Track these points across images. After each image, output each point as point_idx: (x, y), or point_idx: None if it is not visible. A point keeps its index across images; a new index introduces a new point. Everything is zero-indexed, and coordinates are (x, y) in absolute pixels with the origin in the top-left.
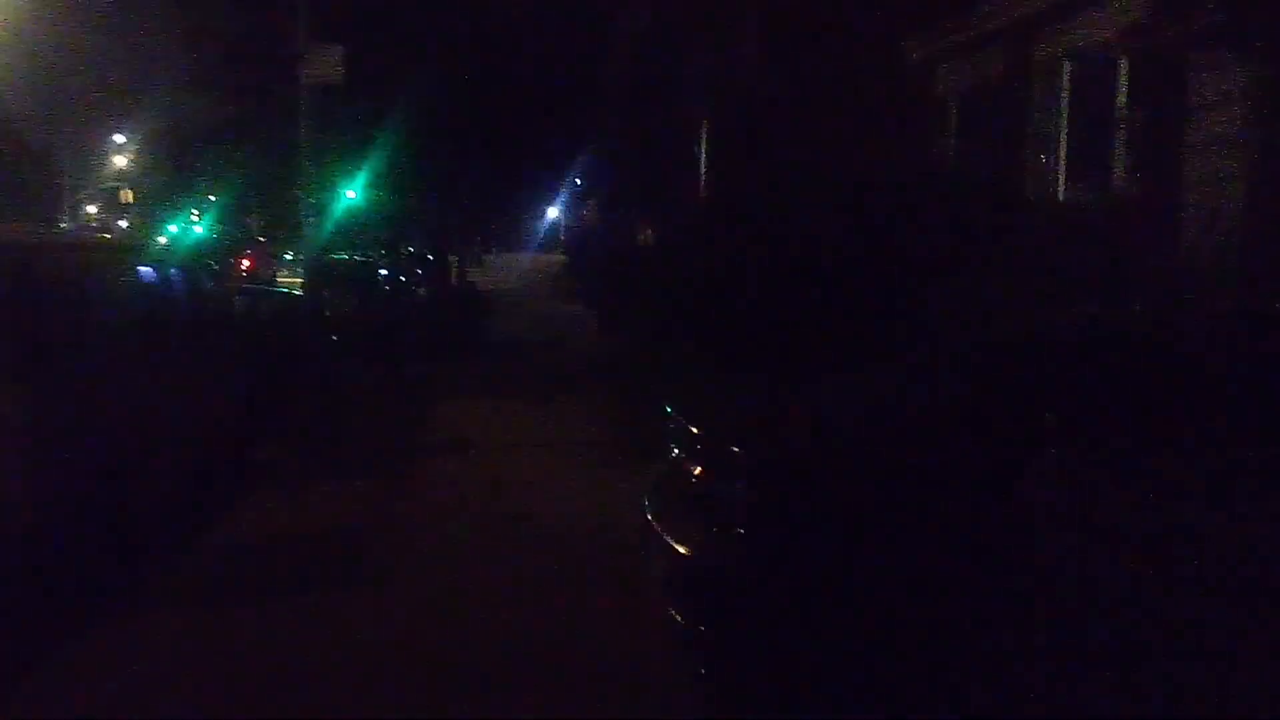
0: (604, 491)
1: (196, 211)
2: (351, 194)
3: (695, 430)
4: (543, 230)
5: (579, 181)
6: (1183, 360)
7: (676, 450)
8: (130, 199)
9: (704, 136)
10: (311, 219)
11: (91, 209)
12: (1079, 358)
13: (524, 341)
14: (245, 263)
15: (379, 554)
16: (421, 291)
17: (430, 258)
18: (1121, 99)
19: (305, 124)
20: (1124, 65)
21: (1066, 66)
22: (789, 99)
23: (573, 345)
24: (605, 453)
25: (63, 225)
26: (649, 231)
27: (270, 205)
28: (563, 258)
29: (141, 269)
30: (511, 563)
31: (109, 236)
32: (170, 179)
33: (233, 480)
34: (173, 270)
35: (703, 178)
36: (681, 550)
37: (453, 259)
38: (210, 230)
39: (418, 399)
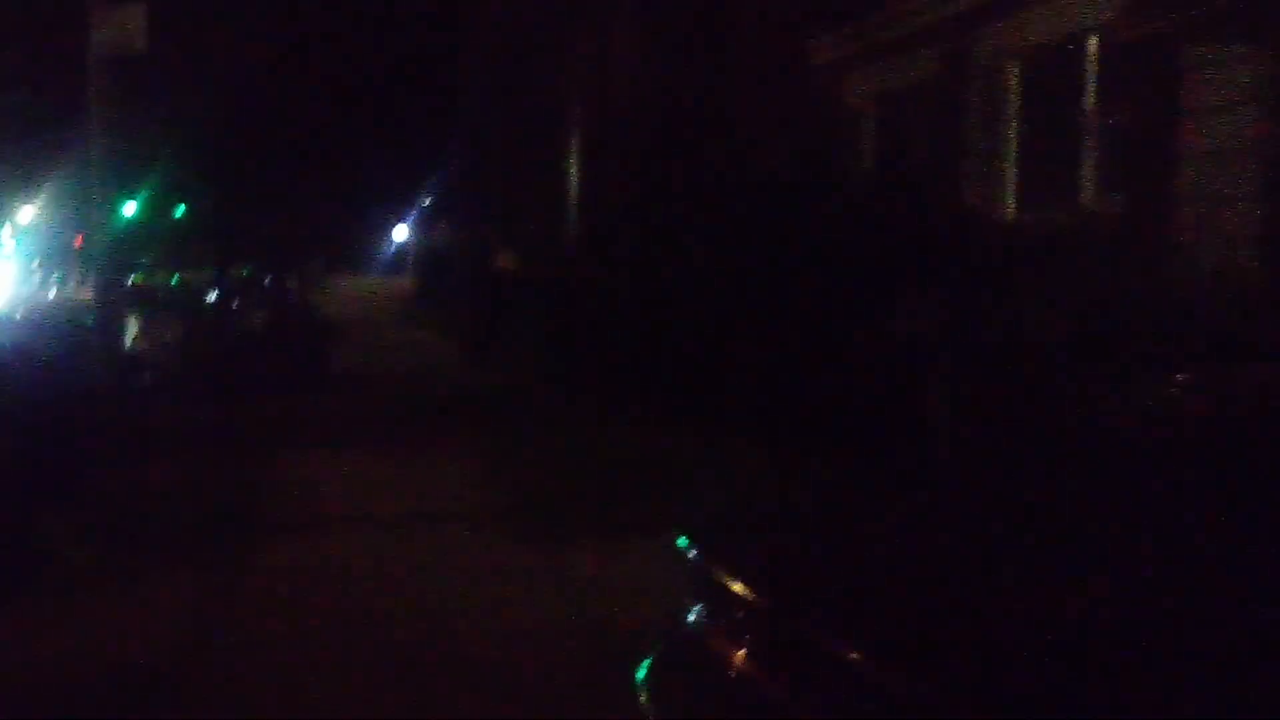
0: (534, 598)
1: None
2: (133, 206)
3: (746, 594)
4: (391, 252)
5: (431, 200)
6: None
7: (700, 612)
8: None
9: (575, 149)
10: (105, 230)
11: None
12: None
13: (378, 375)
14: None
15: (193, 709)
16: (257, 318)
17: (267, 280)
18: (1089, 101)
19: (98, 107)
20: (1090, 65)
21: (1015, 67)
22: (674, 107)
23: (435, 379)
24: (513, 527)
25: None
26: (510, 254)
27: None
28: (413, 281)
29: None
30: None
31: None
32: None
33: None
34: None
35: (574, 195)
36: None
37: (292, 281)
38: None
39: (252, 452)
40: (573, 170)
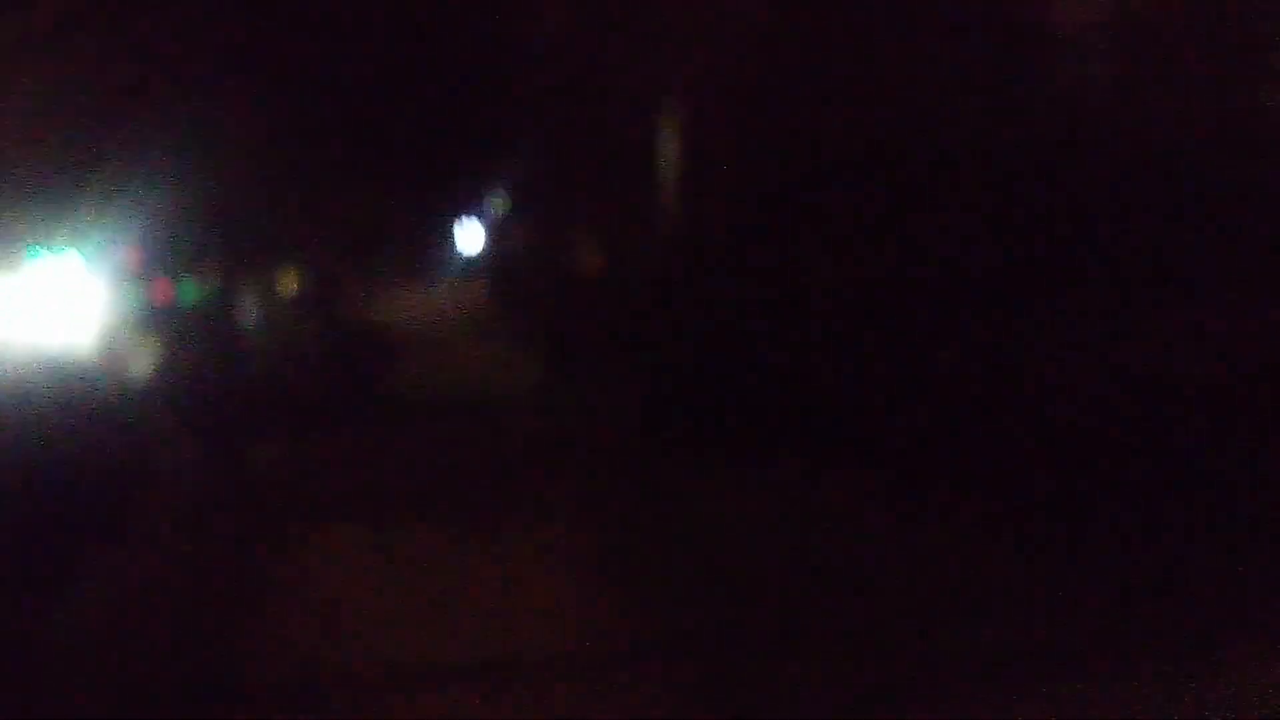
0: None
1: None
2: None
3: None
4: (460, 255)
5: (505, 198)
6: None
7: None
8: None
9: (672, 133)
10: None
11: None
12: None
13: (441, 402)
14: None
15: None
16: (301, 330)
17: (310, 285)
18: None
19: None
20: None
21: None
22: (809, 72)
23: (512, 409)
24: (654, 676)
25: None
26: (596, 255)
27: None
28: (485, 287)
29: None
30: None
31: None
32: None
33: None
34: None
35: (672, 186)
36: None
37: (347, 289)
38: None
39: (253, 527)
40: (669, 158)
